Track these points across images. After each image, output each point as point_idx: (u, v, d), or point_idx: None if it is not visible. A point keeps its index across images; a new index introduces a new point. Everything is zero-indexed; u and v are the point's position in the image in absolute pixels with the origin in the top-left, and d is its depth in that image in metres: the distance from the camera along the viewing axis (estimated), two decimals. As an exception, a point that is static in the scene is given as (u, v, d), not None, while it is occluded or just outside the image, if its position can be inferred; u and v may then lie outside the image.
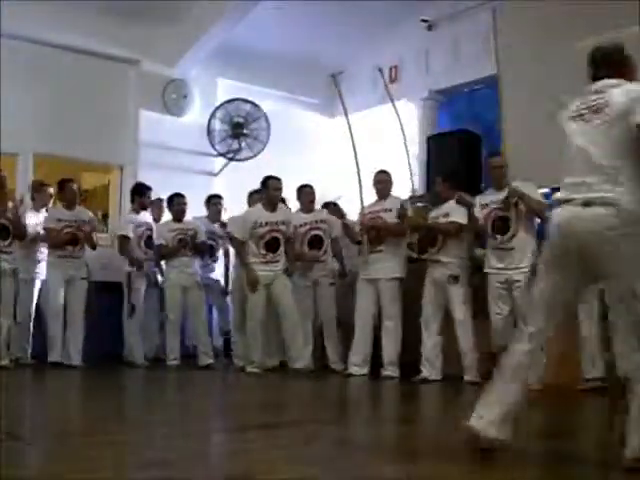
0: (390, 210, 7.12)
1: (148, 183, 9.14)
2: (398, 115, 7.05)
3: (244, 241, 7.17)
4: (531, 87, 8.42)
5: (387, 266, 7.02)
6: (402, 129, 7.00)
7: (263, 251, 7.05)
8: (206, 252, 8.33)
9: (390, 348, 6.97)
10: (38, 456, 3.09)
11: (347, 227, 7.48)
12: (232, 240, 7.66)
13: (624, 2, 7.37)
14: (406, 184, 7.67)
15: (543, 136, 7.98)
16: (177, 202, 8.17)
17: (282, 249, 7.20)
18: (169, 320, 7.96)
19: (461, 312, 6.57)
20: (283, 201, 7.62)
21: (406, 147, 6.96)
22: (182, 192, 8.30)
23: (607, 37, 7.66)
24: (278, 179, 7.19)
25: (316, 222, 7.59)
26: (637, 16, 7.38)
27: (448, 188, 6.88)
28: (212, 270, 8.61)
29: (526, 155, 7.35)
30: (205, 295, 8.18)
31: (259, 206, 7.21)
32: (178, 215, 8.15)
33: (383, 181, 7.22)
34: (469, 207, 6.53)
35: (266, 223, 7.10)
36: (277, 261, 7.13)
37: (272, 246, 7.09)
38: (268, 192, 7.14)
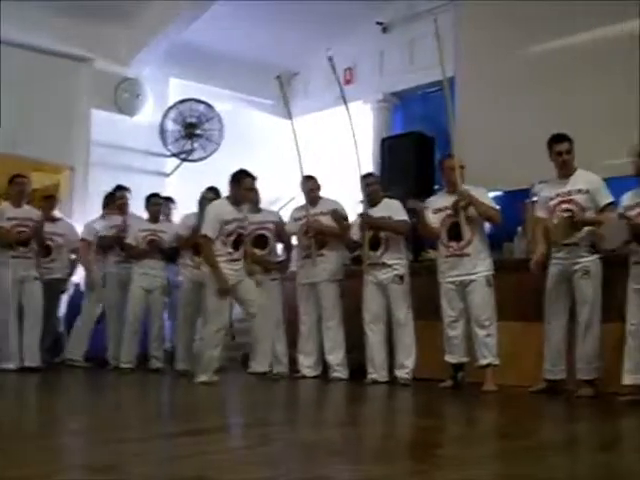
0: (327, 213, 7.09)
1: (99, 183, 9.06)
2: (349, 114, 7.01)
3: (213, 240, 6.55)
4: (486, 89, 8.51)
5: (328, 269, 7.01)
6: (352, 130, 6.95)
7: (230, 249, 6.60)
8: (174, 257, 8.12)
9: (335, 350, 6.98)
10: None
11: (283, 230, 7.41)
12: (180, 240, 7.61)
13: (581, 5, 7.47)
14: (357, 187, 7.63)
15: (499, 138, 8.14)
16: (153, 202, 8.03)
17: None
18: (128, 322, 7.83)
19: (402, 313, 6.57)
20: None
21: (356, 149, 6.93)
22: (133, 192, 8.25)
23: (563, 42, 7.87)
24: (253, 177, 6.72)
25: (263, 223, 7.43)
26: (593, 19, 7.51)
27: (381, 189, 6.94)
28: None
29: (481, 157, 7.41)
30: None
31: (224, 201, 6.76)
32: (153, 215, 8.02)
33: (314, 188, 7.17)
34: (420, 213, 6.46)
35: (234, 219, 6.62)
36: (240, 259, 6.72)
37: (238, 244, 6.67)
38: (239, 190, 6.64)
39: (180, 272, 7.90)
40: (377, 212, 6.75)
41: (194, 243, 7.41)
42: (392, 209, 6.73)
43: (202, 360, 6.59)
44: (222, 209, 6.63)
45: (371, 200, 6.83)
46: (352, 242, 6.91)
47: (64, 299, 8.58)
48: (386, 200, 6.84)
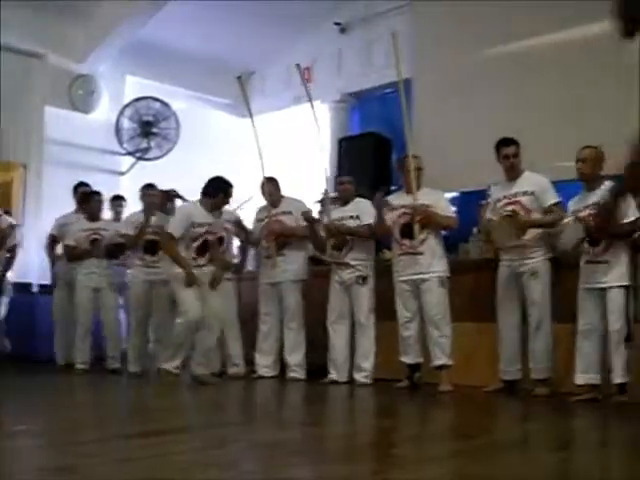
0: (290, 212, 7.07)
1: (53, 181, 8.91)
2: (315, 114, 7.02)
3: (176, 240, 6.44)
4: (442, 91, 8.57)
5: (290, 269, 6.99)
6: (318, 129, 6.97)
7: (194, 255, 6.50)
8: (120, 255, 8.01)
9: (295, 350, 6.96)
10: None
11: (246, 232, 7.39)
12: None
13: (536, 10, 7.56)
14: (318, 185, 7.64)
15: (455, 139, 8.20)
16: (93, 200, 7.87)
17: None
18: (79, 323, 7.71)
19: (363, 314, 6.58)
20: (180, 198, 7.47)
21: (321, 148, 6.94)
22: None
23: (517, 44, 7.96)
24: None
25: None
26: (546, 22, 7.61)
27: (355, 189, 6.94)
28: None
29: (437, 158, 7.44)
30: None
31: (197, 205, 6.61)
32: (93, 214, 7.87)
33: (273, 191, 7.11)
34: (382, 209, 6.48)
35: (204, 223, 6.52)
36: (205, 265, 6.56)
37: (203, 250, 6.55)
38: (224, 199, 6.63)
39: (127, 272, 7.82)
40: (346, 211, 6.76)
41: (147, 241, 7.34)
42: (360, 209, 6.72)
43: (169, 350, 6.54)
44: (194, 211, 6.55)
45: (343, 199, 6.86)
46: (323, 242, 6.91)
47: (4, 300, 8.31)
48: (357, 200, 6.84)
